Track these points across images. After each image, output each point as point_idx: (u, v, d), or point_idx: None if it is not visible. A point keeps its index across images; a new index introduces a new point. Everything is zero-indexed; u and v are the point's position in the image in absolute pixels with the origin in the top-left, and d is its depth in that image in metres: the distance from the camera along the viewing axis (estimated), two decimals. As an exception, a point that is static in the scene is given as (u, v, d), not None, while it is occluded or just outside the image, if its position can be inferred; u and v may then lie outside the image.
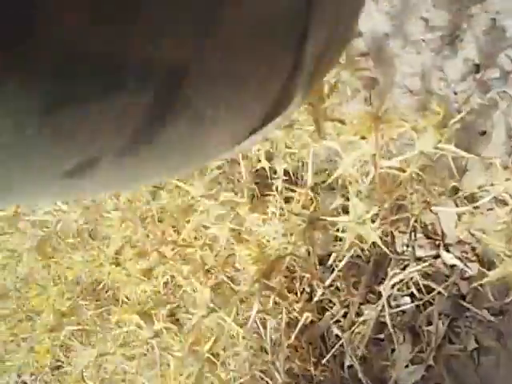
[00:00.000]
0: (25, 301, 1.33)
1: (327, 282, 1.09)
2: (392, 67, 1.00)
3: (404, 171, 0.89)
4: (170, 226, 1.04)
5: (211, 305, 0.86)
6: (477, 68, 0.95)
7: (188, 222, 1.01)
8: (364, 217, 0.85)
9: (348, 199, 0.97)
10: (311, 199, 1.05)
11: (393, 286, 1.05)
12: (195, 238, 1.06)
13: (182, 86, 0.25)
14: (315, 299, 1.12)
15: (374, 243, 1.06)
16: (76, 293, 1.25)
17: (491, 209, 0.95)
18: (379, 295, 1.08)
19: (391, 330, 1.02)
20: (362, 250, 1.09)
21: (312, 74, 0.33)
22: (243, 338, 1.11)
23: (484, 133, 0.95)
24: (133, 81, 0.23)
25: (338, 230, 1.03)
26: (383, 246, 0.93)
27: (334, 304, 1.13)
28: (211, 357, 1.02)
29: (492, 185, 0.91)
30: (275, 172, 0.96)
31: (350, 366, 1.13)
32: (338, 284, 1.10)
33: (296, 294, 1.14)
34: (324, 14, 0.31)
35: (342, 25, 0.34)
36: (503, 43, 0.93)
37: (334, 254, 1.09)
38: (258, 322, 1.19)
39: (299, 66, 0.32)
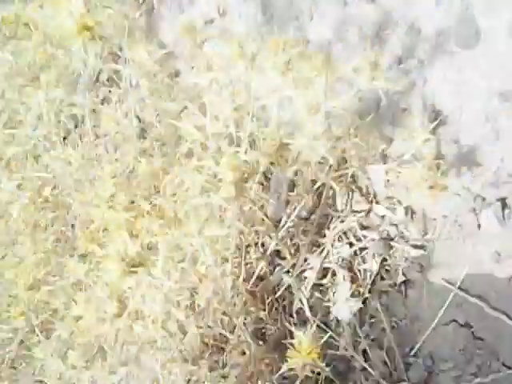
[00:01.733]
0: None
1: (280, 235, 1.30)
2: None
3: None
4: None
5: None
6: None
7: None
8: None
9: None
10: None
11: (334, 237, 1.27)
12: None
13: None
14: (269, 251, 1.33)
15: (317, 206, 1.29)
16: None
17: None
18: (322, 249, 1.29)
19: (334, 268, 1.25)
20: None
21: None
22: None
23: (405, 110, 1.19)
24: None
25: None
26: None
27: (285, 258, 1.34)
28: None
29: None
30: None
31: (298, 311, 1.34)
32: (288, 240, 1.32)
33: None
34: None
35: None
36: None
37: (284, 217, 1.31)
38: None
39: None
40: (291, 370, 0.94)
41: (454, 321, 1.14)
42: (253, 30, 1.36)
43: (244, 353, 1.25)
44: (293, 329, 1.14)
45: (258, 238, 1.34)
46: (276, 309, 1.37)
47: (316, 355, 0.92)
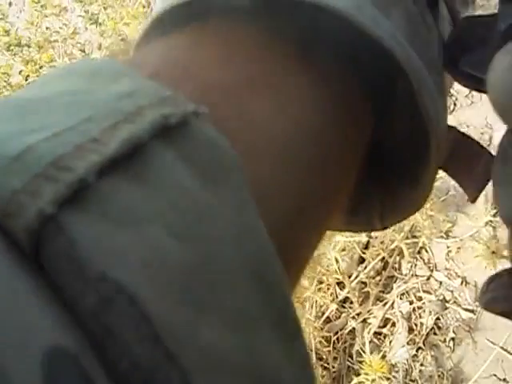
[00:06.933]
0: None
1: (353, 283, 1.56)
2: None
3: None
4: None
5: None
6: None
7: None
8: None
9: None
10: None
11: (397, 295, 1.53)
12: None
13: None
14: (340, 298, 1.59)
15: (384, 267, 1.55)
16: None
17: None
18: (386, 303, 1.55)
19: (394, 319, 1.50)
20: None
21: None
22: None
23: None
24: None
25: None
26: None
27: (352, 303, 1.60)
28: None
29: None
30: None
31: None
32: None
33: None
34: None
35: None
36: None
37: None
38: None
39: None
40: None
41: (494, 375, 1.37)
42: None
43: None
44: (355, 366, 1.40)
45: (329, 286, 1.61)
46: (335, 348, 1.62)
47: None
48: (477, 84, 0.28)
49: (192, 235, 0.17)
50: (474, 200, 0.30)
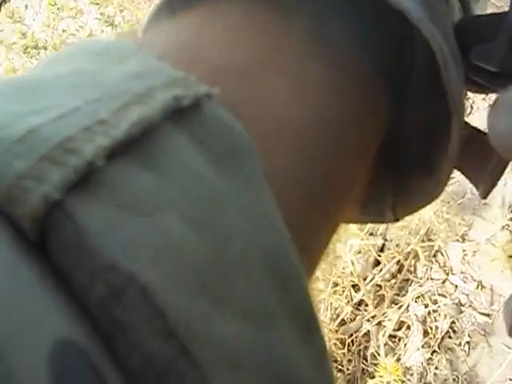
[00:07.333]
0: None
1: (368, 286, 1.56)
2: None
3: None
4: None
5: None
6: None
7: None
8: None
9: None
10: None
11: (413, 298, 1.52)
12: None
13: None
14: (355, 300, 1.58)
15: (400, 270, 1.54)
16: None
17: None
18: (401, 306, 1.54)
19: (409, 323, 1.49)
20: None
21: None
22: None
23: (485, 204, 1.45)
24: None
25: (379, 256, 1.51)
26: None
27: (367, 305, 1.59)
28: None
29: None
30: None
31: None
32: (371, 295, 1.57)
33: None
34: None
35: None
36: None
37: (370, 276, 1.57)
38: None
39: None
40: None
41: (510, 379, 1.36)
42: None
43: None
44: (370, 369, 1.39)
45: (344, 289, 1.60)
46: (350, 351, 1.61)
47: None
48: (485, 77, 0.28)
49: (206, 223, 0.16)
50: (485, 196, 0.30)
